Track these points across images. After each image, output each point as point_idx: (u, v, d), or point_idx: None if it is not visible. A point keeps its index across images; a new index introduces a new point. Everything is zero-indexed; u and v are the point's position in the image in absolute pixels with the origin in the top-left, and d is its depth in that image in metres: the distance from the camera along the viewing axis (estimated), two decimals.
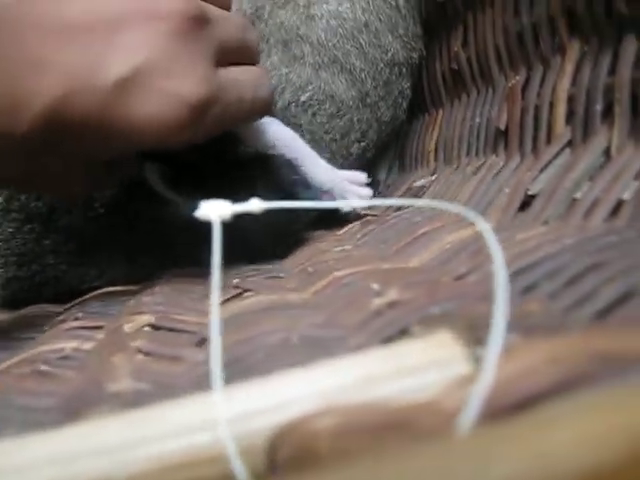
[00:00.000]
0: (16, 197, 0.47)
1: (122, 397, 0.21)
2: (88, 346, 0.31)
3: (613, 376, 0.13)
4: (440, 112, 0.51)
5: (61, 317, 0.40)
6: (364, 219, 0.46)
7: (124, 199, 0.46)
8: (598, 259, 0.21)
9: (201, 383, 0.22)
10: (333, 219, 0.48)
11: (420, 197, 0.45)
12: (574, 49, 0.33)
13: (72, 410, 0.21)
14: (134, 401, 0.21)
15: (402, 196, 0.48)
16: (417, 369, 0.15)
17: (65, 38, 0.29)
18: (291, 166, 0.40)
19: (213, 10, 0.33)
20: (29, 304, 0.50)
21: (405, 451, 0.10)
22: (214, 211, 0.20)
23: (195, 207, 0.20)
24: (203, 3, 0.32)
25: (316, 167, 0.42)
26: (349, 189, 0.44)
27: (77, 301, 0.45)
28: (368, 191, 0.44)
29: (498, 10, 0.41)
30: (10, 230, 0.48)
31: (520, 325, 0.17)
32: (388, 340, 0.18)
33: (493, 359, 0.12)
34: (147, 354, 0.26)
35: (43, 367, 0.28)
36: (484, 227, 0.15)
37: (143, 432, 0.16)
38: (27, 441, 0.17)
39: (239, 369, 0.21)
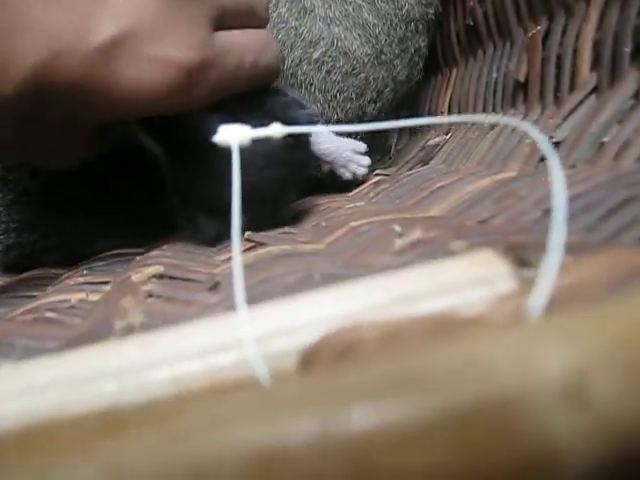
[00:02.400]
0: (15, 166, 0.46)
1: (131, 331, 0.20)
2: (95, 297, 0.30)
3: None
4: (454, 71, 0.49)
5: (65, 275, 0.40)
6: (375, 179, 0.45)
7: (124, 166, 0.45)
8: (633, 192, 0.20)
9: None
10: (336, 187, 0.47)
11: (434, 155, 0.44)
12: None
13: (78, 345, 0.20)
14: None
15: (415, 156, 0.47)
16: (462, 286, 0.14)
17: (50, 0, 0.28)
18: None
19: None
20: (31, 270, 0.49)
21: (473, 335, 0.09)
22: (233, 136, 0.19)
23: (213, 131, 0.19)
24: None
25: (320, 135, 0.41)
26: (351, 157, 0.44)
27: (82, 262, 0.44)
28: (368, 160, 0.44)
29: None
30: (10, 197, 0.47)
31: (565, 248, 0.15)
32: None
33: (555, 261, 0.11)
34: (158, 297, 0.25)
35: (48, 314, 0.27)
36: (542, 138, 0.14)
37: (157, 354, 0.15)
38: (31, 365, 0.16)
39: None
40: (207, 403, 0.08)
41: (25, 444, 0.09)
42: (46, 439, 0.08)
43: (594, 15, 0.32)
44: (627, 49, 0.29)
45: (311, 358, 0.12)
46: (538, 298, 0.10)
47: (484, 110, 0.42)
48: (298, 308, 0.14)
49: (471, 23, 0.45)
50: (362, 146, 0.44)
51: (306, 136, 0.37)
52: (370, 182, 0.45)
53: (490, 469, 0.07)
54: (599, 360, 0.08)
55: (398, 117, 0.55)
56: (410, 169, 0.45)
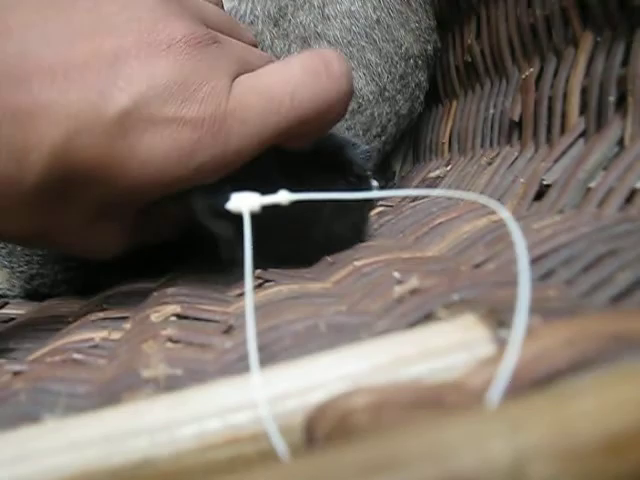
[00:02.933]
0: None
1: (157, 382, 0.22)
2: (117, 335, 0.32)
3: (627, 355, 0.14)
4: (454, 103, 0.51)
5: (85, 309, 0.42)
6: (379, 210, 0.47)
7: None
8: (613, 246, 0.22)
9: (231, 369, 0.23)
10: None
11: (437, 187, 0.46)
12: (587, 41, 0.34)
13: (109, 396, 0.22)
14: (169, 386, 0.22)
15: (417, 187, 0.49)
16: (444, 351, 0.16)
17: (63, 79, 0.28)
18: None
19: (219, 31, 0.32)
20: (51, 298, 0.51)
21: (439, 422, 0.10)
22: (244, 203, 0.21)
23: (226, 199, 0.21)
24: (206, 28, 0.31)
25: None
26: None
27: (100, 295, 0.46)
28: (376, 183, 0.46)
29: (511, 3, 0.41)
30: None
31: (540, 308, 0.17)
32: (413, 324, 0.19)
33: (518, 339, 0.13)
34: (177, 342, 0.27)
35: (75, 355, 0.29)
36: (505, 214, 0.16)
37: (184, 413, 0.17)
38: (68, 423, 0.18)
39: (268, 355, 0.22)
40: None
41: None
42: None
43: (582, 61, 0.34)
44: (612, 98, 0.31)
45: (312, 422, 0.14)
46: (497, 387, 0.12)
47: (482, 144, 0.44)
48: (302, 371, 0.16)
49: (469, 59, 0.47)
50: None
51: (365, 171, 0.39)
52: (374, 212, 0.47)
53: None
54: (537, 448, 0.10)
55: (399, 147, 0.57)
56: (413, 200, 0.46)
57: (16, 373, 0.27)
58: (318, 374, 0.16)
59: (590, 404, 0.10)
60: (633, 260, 0.20)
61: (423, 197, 0.46)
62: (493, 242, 0.28)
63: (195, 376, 0.23)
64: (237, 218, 0.37)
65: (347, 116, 0.47)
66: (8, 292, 0.54)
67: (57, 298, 0.50)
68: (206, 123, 0.29)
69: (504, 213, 0.16)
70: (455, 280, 0.24)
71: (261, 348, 0.23)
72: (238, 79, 0.30)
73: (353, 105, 0.47)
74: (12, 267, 0.52)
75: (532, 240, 0.25)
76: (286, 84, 0.30)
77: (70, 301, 0.48)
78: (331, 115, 0.32)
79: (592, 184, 0.29)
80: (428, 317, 0.20)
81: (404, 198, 0.47)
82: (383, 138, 0.50)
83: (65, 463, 0.16)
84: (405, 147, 0.57)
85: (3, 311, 0.51)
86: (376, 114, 0.48)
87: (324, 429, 0.13)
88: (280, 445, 0.15)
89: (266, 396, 0.16)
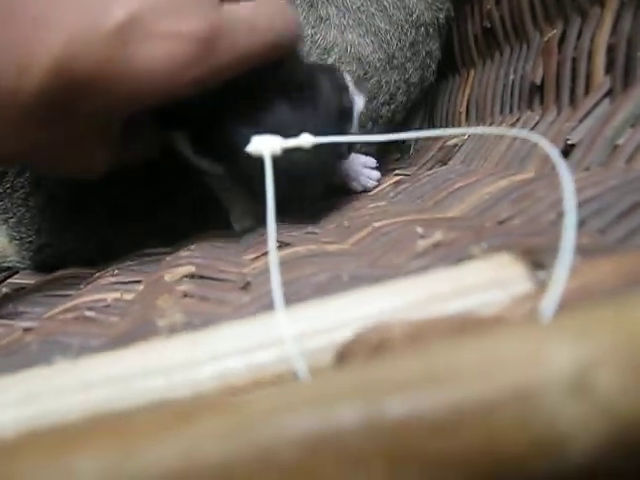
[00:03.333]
0: None
1: (174, 329, 0.21)
2: (129, 296, 0.32)
3: None
4: (472, 72, 0.50)
5: (97, 275, 0.41)
6: (396, 179, 0.47)
7: (156, 173, 0.47)
8: None
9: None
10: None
11: (453, 155, 0.45)
12: None
13: (124, 344, 0.22)
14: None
15: (434, 156, 0.48)
16: (480, 288, 0.15)
17: None
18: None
19: None
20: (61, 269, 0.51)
21: (489, 335, 0.10)
22: (265, 146, 0.20)
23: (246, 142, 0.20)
24: None
25: None
26: (363, 171, 0.47)
27: (110, 262, 0.45)
28: (378, 174, 0.47)
29: None
30: (41, 201, 0.49)
31: (578, 250, 0.17)
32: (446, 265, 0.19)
33: (566, 266, 0.12)
34: (192, 296, 0.26)
35: (88, 313, 0.28)
36: (552, 150, 0.15)
37: (203, 352, 0.16)
38: (79, 364, 0.17)
39: (289, 305, 0.21)
40: (266, 394, 0.09)
41: (104, 431, 0.10)
42: (125, 425, 0.10)
43: (608, 20, 0.33)
44: None
45: (346, 354, 0.13)
46: (550, 300, 0.11)
47: (501, 111, 0.43)
48: (331, 308, 0.16)
49: (488, 25, 0.46)
50: (372, 161, 0.47)
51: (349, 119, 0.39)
52: (390, 182, 0.46)
53: (508, 451, 0.09)
54: (602, 356, 0.09)
55: (414, 118, 0.56)
56: (429, 169, 0.46)
57: (27, 329, 0.27)
58: (348, 311, 0.15)
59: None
60: None
61: (441, 164, 0.45)
62: (517, 200, 0.28)
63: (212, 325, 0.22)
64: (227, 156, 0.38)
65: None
66: (18, 264, 0.54)
67: (68, 268, 0.50)
68: (200, 38, 0.31)
69: (547, 146, 0.15)
70: (481, 233, 0.23)
71: (284, 298, 0.23)
72: (226, 4, 0.33)
73: (359, 72, 0.46)
74: (21, 238, 0.52)
75: (558, 194, 0.25)
76: (264, 14, 0.34)
77: (81, 270, 0.47)
78: (293, 43, 0.37)
79: (620, 141, 0.28)
80: (459, 262, 0.19)
81: (421, 167, 0.47)
82: (392, 106, 0.49)
83: (75, 403, 0.16)
84: (420, 118, 0.57)
85: (13, 280, 0.51)
86: (383, 82, 0.47)
87: (357, 357, 0.13)
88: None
89: (292, 333, 0.15)
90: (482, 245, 0.20)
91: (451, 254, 0.20)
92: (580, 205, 0.23)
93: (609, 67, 0.32)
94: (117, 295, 0.32)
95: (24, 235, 0.51)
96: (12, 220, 0.51)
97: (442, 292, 0.15)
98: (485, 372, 0.09)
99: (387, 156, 0.56)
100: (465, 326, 0.12)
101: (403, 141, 0.57)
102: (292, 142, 0.21)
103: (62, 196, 0.49)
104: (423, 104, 0.55)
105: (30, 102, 0.30)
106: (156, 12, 0.30)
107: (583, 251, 0.17)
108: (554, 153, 0.15)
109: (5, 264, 0.54)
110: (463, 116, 0.49)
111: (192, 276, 0.30)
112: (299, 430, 0.08)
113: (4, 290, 0.46)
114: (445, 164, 0.44)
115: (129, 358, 0.16)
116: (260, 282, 0.27)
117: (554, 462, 0.08)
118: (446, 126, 0.52)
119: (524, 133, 0.18)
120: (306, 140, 0.21)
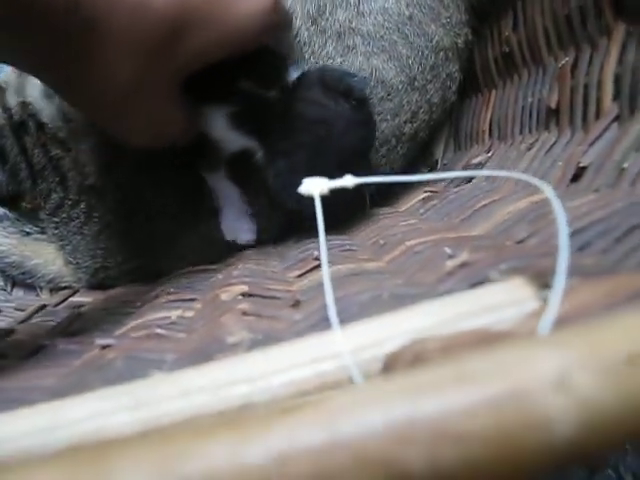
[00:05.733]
0: (102, 199, 0.52)
1: (242, 346, 0.25)
2: (190, 314, 0.36)
3: None
4: (493, 93, 0.54)
5: (153, 294, 0.45)
6: (424, 195, 0.50)
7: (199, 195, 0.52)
8: None
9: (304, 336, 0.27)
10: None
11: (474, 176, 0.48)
12: (619, 31, 0.36)
13: (202, 360, 0.26)
14: (253, 348, 0.25)
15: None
16: (497, 308, 0.19)
17: None
18: None
19: None
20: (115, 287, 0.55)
21: (497, 346, 0.14)
22: (315, 187, 0.24)
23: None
24: None
25: None
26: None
27: (163, 280, 0.50)
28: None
29: None
30: (96, 229, 0.54)
31: (579, 272, 0.20)
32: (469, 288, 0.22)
33: (559, 291, 0.16)
34: (250, 314, 0.30)
35: (158, 330, 0.32)
36: (547, 188, 0.19)
37: (277, 363, 0.20)
38: (177, 375, 0.21)
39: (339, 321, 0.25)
40: (341, 393, 0.13)
41: (224, 424, 0.14)
42: (238, 419, 0.14)
43: (615, 51, 0.36)
44: None
45: (391, 364, 0.17)
46: (546, 319, 0.15)
47: (521, 132, 0.46)
48: (376, 326, 0.19)
49: (507, 50, 0.50)
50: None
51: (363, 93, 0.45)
52: (419, 197, 0.50)
53: (512, 429, 0.12)
54: (579, 363, 0.13)
55: (439, 135, 0.60)
56: (456, 186, 0.49)
57: (104, 346, 0.31)
58: (390, 328, 0.19)
59: (618, 331, 0.13)
60: None
61: (467, 182, 0.48)
62: (534, 220, 0.31)
63: (274, 341, 0.26)
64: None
65: (376, 102, 0.50)
66: (75, 285, 0.58)
67: (122, 287, 0.55)
68: None
69: (546, 188, 0.19)
70: (501, 253, 0.27)
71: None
72: None
73: (382, 93, 0.50)
74: (77, 262, 0.56)
75: (572, 215, 0.28)
76: None
77: (135, 288, 0.52)
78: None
79: (625, 165, 0.31)
80: (481, 283, 0.22)
81: (449, 183, 0.50)
82: (415, 124, 0.53)
83: (178, 407, 0.19)
84: (446, 135, 0.60)
85: (73, 299, 0.56)
86: (405, 102, 0.51)
87: (401, 365, 0.16)
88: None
89: (348, 348, 0.19)
90: (502, 267, 0.24)
91: (475, 274, 0.24)
92: (589, 226, 0.27)
93: (617, 94, 0.36)
94: (179, 313, 0.36)
95: (80, 260, 0.56)
96: (68, 247, 0.56)
97: (466, 311, 0.19)
98: (495, 374, 0.13)
99: (416, 171, 0.59)
100: (483, 340, 0.16)
101: (430, 155, 0.61)
102: (338, 183, 0.24)
103: (114, 224, 0.53)
104: (447, 122, 0.59)
105: (144, 35, 0.34)
106: None
107: (583, 272, 0.21)
108: (549, 192, 0.19)
109: (62, 284, 0.59)
110: (487, 134, 0.53)
111: (246, 295, 0.34)
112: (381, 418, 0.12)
113: (68, 308, 0.50)
114: (470, 181, 0.48)
115: (215, 370, 0.20)
116: (309, 300, 0.30)
117: (544, 439, 0.12)
118: (471, 143, 0.56)
119: (518, 175, 0.22)
120: (350, 181, 0.24)
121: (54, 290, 0.60)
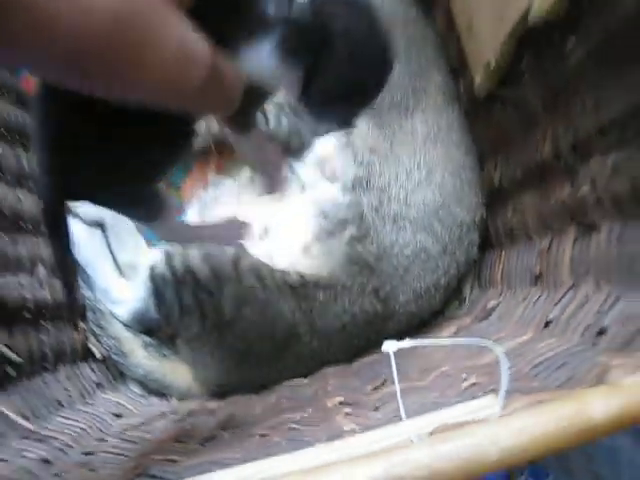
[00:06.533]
0: (231, 333, 0.75)
1: (353, 433, 0.45)
2: (305, 414, 0.56)
3: None
4: (503, 253, 0.75)
5: (268, 403, 0.66)
6: (454, 329, 0.71)
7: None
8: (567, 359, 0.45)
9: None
10: None
11: (492, 313, 0.69)
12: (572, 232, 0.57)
13: (334, 437, 0.46)
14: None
15: (480, 312, 0.72)
16: (477, 410, 0.39)
17: None
18: None
19: None
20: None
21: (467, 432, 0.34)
22: (392, 347, 0.44)
23: None
24: None
25: None
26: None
27: (272, 390, 0.71)
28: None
29: (534, 193, 0.65)
30: (223, 354, 0.76)
31: (523, 389, 0.40)
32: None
33: (501, 403, 0.36)
34: (349, 415, 0.50)
35: (291, 425, 0.53)
36: (498, 350, 0.40)
37: (379, 444, 0.40)
38: (302, 453, 0.41)
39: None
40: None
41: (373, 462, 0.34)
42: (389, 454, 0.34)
43: (570, 241, 0.57)
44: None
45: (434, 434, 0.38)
46: (494, 415, 0.36)
47: (520, 284, 0.67)
48: (423, 420, 0.40)
49: (510, 226, 0.72)
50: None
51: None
52: (452, 330, 0.71)
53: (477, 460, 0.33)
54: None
55: (466, 281, 0.81)
56: (480, 321, 0.70)
57: (263, 435, 0.51)
58: (429, 420, 0.39)
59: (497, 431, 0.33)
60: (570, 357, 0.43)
61: (483, 319, 0.69)
62: (521, 354, 0.51)
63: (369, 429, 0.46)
64: None
65: (419, 264, 0.75)
66: (200, 395, 0.79)
67: (240, 395, 0.75)
68: None
69: (497, 349, 0.40)
70: (494, 376, 0.47)
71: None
72: None
73: (424, 257, 0.75)
74: (205, 378, 0.78)
75: (535, 354, 0.48)
76: None
77: (254, 397, 0.72)
78: None
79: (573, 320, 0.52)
80: (476, 397, 0.43)
81: (473, 319, 0.71)
82: (447, 278, 0.77)
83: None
84: (471, 280, 0.81)
85: (186, 406, 0.75)
86: (439, 264, 0.74)
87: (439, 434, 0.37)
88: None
89: (414, 429, 0.39)
90: (493, 387, 0.44)
91: (478, 389, 0.44)
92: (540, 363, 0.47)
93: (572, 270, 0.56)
94: (297, 417, 0.56)
95: (208, 377, 0.77)
96: (199, 367, 0.78)
97: (458, 414, 0.39)
98: (465, 436, 0.33)
99: (449, 307, 0.81)
100: (465, 425, 0.36)
101: (460, 293, 0.82)
102: (410, 343, 0.45)
103: (236, 353, 0.75)
104: (472, 271, 0.80)
105: None
106: None
107: (525, 390, 0.41)
108: (500, 353, 0.39)
109: (190, 396, 0.79)
110: (499, 283, 0.74)
111: (343, 403, 0.54)
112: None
113: (206, 411, 0.70)
114: (486, 319, 0.68)
115: (344, 449, 0.40)
116: (384, 405, 0.51)
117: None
118: (487, 286, 0.76)
119: (476, 340, 0.43)
120: (420, 342, 0.45)
121: (180, 399, 0.80)
